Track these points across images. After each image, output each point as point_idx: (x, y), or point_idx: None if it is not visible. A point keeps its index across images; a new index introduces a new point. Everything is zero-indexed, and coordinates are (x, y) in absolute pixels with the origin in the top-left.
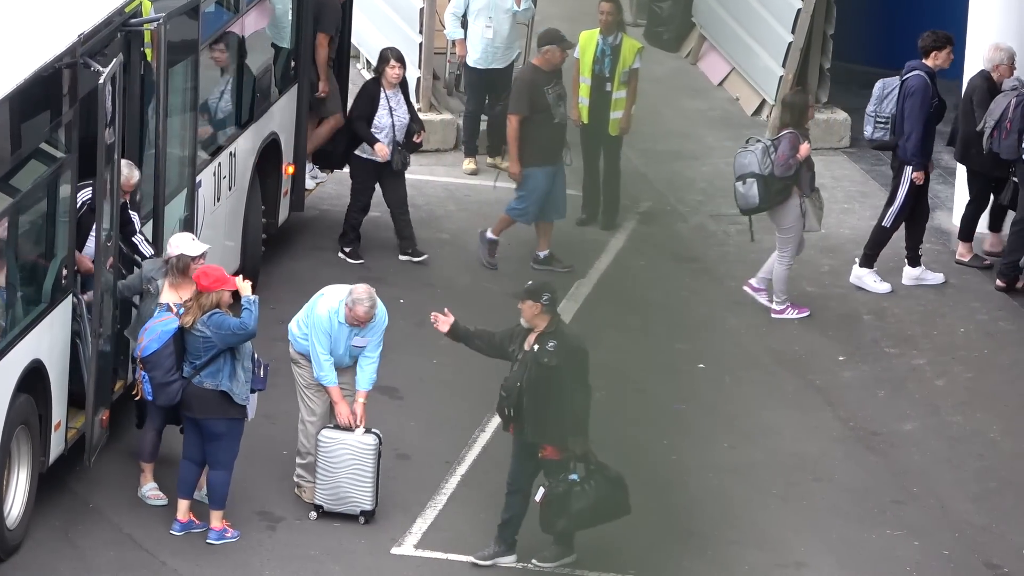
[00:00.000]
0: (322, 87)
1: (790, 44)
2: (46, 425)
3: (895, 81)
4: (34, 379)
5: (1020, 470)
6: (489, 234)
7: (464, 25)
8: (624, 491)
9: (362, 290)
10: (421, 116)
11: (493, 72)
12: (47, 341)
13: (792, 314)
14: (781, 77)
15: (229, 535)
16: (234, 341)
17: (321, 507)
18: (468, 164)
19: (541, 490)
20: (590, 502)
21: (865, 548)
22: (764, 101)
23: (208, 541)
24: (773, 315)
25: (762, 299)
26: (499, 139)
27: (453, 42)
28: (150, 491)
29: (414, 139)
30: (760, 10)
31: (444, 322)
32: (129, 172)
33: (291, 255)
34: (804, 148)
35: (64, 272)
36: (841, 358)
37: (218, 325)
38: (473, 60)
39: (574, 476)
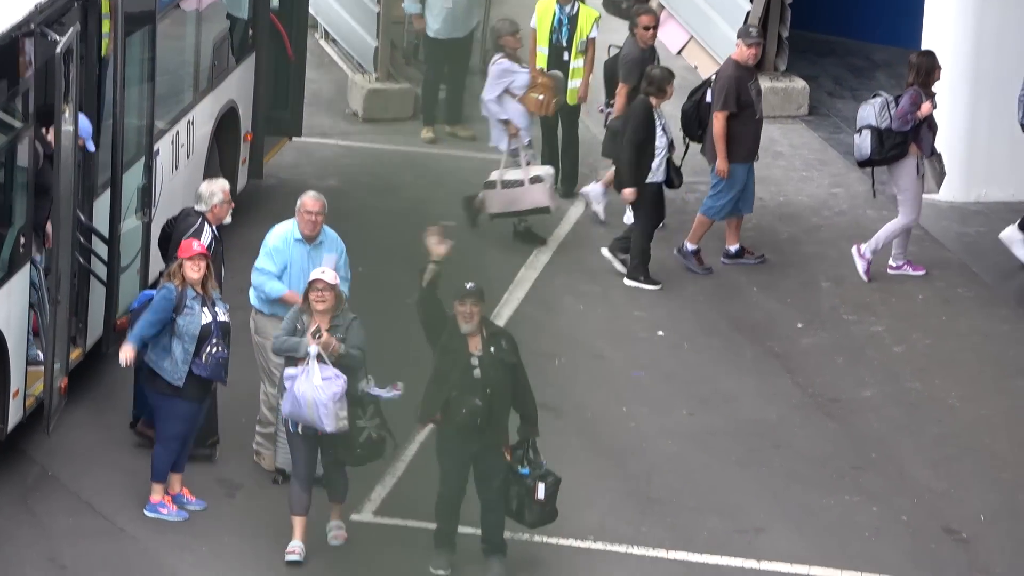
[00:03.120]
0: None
1: (748, 13)
2: (4, 393)
3: None
4: None
5: (978, 436)
6: (689, 246)
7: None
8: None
9: (307, 192)
10: (379, 86)
11: (452, 42)
12: (4, 310)
13: (909, 271)
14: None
15: (165, 512)
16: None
17: (284, 471)
18: (426, 133)
19: (541, 486)
20: (558, 487)
21: (824, 514)
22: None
23: (144, 511)
24: (890, 271)
25: (909, 270)
26: (458, 109)
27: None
28: None
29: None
30: None
31: (441, 244)
32: None
33: (250, 223)
34: (926, 107)
35: (22, 241)
36: (800, 325)
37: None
38: (433, 31)
39: (525, 472)
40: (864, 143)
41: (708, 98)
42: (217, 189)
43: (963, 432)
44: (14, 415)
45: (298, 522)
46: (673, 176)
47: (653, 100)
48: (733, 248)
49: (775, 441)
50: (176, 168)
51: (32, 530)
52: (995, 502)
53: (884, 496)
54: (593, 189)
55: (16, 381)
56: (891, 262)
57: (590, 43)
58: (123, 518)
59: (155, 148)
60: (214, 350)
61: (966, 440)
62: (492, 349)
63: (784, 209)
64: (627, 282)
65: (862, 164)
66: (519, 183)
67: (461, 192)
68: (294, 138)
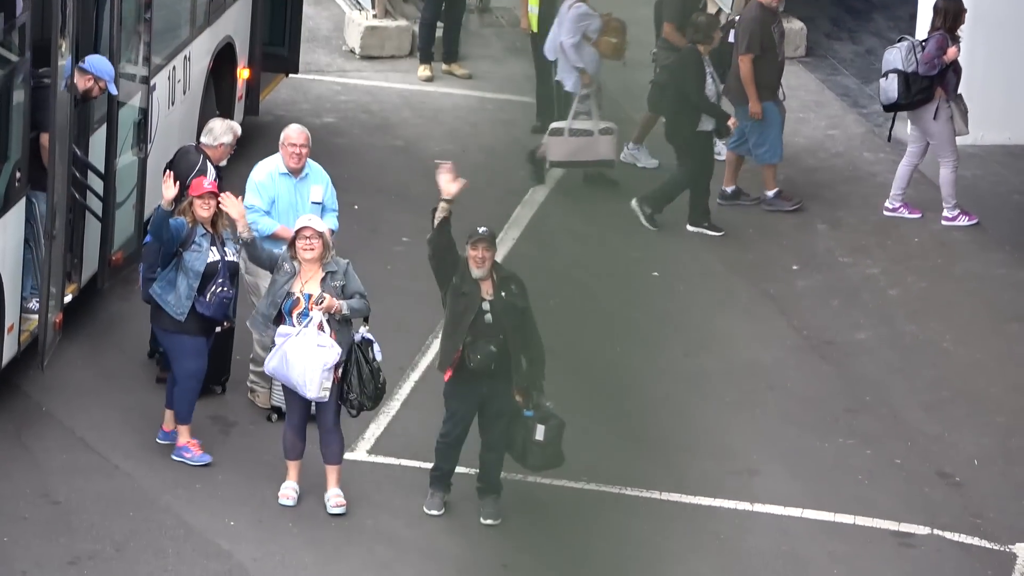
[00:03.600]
0: None
1: None
2: None
3: None
4: None
5: (972, 379)
6: (770, 194)
7: None
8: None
9: (290, 125)
10: (376, 23)
11: None
12: (0, 244)
13: (963, 221)
14: None
15: (188, 456)
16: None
17: (279, 409)
18: (423, 71)
19: (541, 428)
20: (562, 431)
21: (817, 456)
22: (720, 10)
23: (172, 455)
24: (944, 222)
25: (905, 212)
26: (455, 47)
27: None
28: None
29: None
30: None
31: (454, 183)
32: None
33: (246, 159)
34: (952, 51)
35: (17, 175)
36: (795, 267)
37: None
38: None
39: (529, 414)
40: (891, 87)
41: (731, 39)
42: (228, 129)
43: (957, 376)
44: (8, 350)
45: (292, 465)
46: (721, 126)
47: (701, 48)
48: (729, 189)
49: (769, 383)
50: (172, 104)
51: (26, 466)
52: (989, 446)
53: (878, 439)
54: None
55: (11, 316)
56: (888, 203)
57: None
58: (117, 455)
59: (151, 83)
60: (219, 289)
61: (960, 384)
62: (503, 294)
63: None
64: (690, 228)
65: (888, 108)
66: (588, 133)
67: (457, 131)
68: (291, 75)
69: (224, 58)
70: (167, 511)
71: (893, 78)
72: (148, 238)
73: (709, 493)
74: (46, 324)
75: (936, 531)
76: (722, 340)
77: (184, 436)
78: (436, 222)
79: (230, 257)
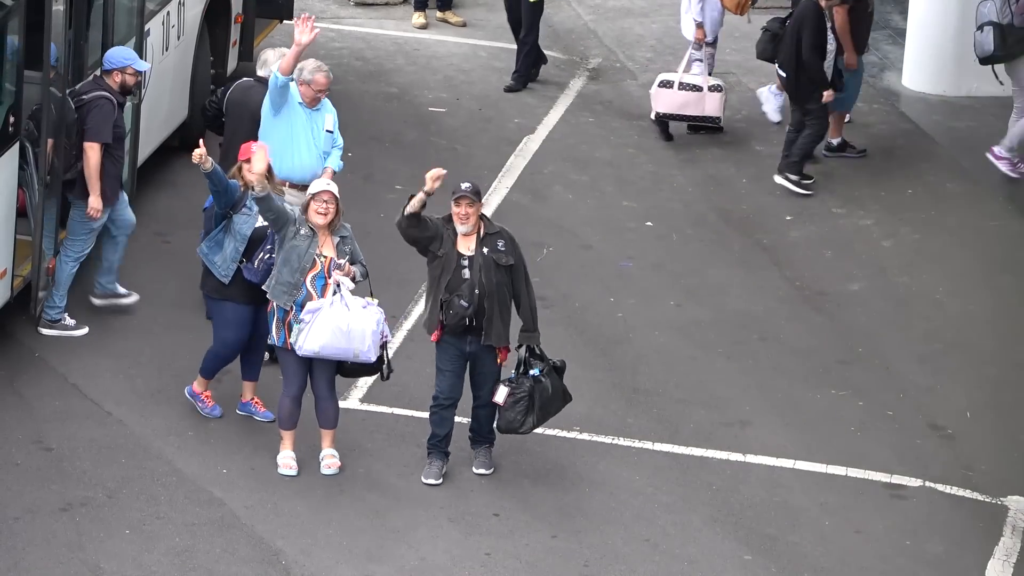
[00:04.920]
0: None
1: None
2: None
3: None
4: None
5: (965, 331)
6: (834, 141)
7: None
8: (562, 375)
9: (310, 61)
10: None
11: None
12: None
13: (1004, 167)
14: None
15: (200, 405)
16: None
17: (271, 348)
18: (418, 18)
19: (504, 390)
20: (549, 394)
21: (810, 408)
22: None
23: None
24: (990, 156)
25: (1006, 168)
26: None
27: None
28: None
29: None
30: None
31: (436, 180)
32: None
33: None
34: None
35: (11, 120)
36: (788, 217)
37: None
38: None
39: (535, 372)
40: (987, 40)
41: None
42: (277, 56)
43: (950, 327)
44: (1, 296)
45: (288, 435)
46: (837, 79)
47: (823, 2)
48: (835, 141)
49: (762, 334)
50: (166, 50)
51: (19, 412)
52: (980, 398)
53: (870, 391)
54: (766, 92)
55: (3, 261)
56: (996, 149)
57: None
58: (110, 402)
59: (145, 29)
60: (267, 256)
61: (953, 336)
62: (485, 250)
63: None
64: (777, 179)
65: (984, 61)
66: (697, 88)
67: (451, 78)
68: (284, 21)
69: (218, 3)
70: (159, 458)
71: (988, 31)
72: (208, 204)
73: (701, 444)
74: (39, 269)
75: (928, 483)
76: (715, 290)
77: (201, 386)
78: (407, 211)
79: None
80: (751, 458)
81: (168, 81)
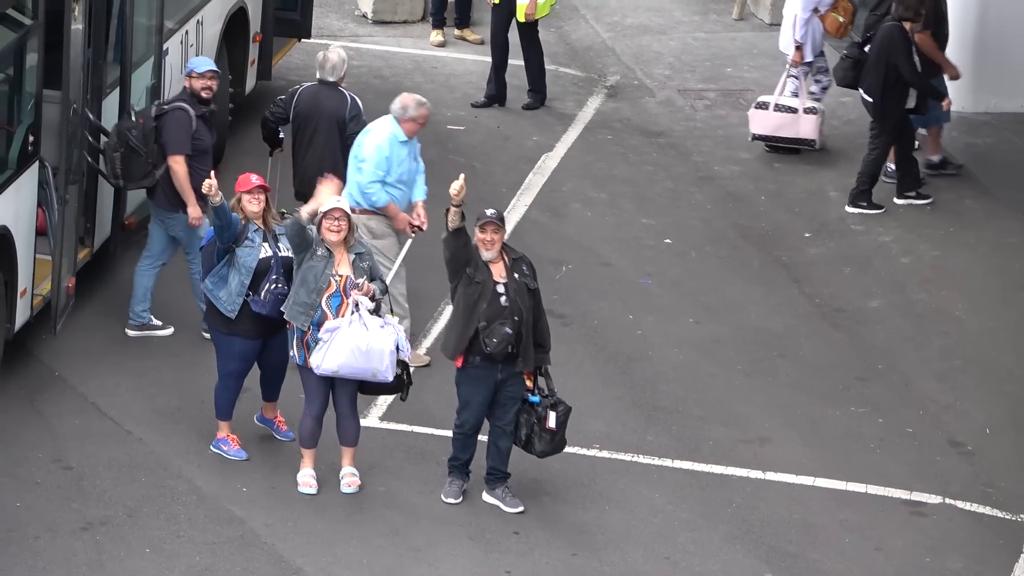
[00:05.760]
0: None
1: None
2: (12, 292)
3: None
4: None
5: (984, 348)
6: (934, 159)
7: None
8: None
9: (410, 97)
10: None
11: None
12: (13, 208)
13: None
14: None
15: (226, 449)
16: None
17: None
18: (436, 36)
19: (553, 415)
20: (568, 417)
21: (829, 424)
22: None
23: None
24: None
25: None
26: (467, 13)
27: None
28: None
29: None
30: None
31: (458, 187)
32: None
33: (257, 124)
34: None
35: (31, 139)
36: (807, 235)
37: None
38: None
39: (557, 395)
40: None
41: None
42: (341, 58)
43: (969, 344)
44: (21, 314)
45: (309, 454)
46: (920, 102)
47: (907, 25)
48: (935, 158)
49: (781, 351)
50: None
51: (39, 431)
52: (1000, 415)
53: (889, 408)
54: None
55: (23, 280)
56: None
57: None
58: (130, 420)
59: (164, 48)
60: (273, 286)
61: (972, 352)
62: (516, 275)
63: None
64: (849, 209)
65: None
66: (792, 110)
67: (469, 96)
68: (303, 40)
69: (237, 22)
70: (179, 477)
71: None
72: (204, 241)
73: (721, 461)
74: (59, 288)
75: (948, 500)
76: (734, 307)
77: (224, 430)
78: (451, 227)
79: (283, 252)
80: (771, 475)
81: None
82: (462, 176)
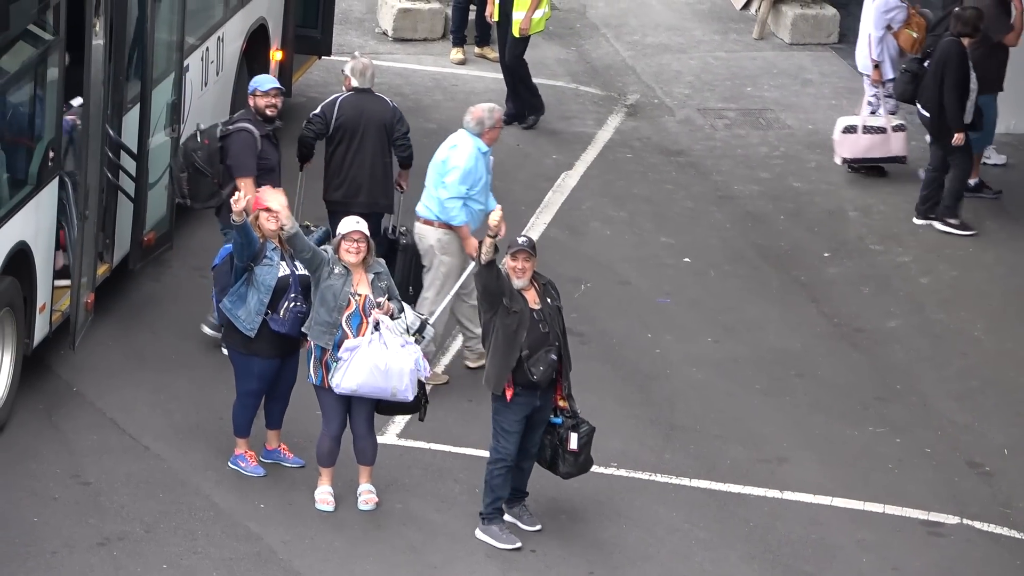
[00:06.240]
0: None
1: None
2: (31, 307)
3: None
4: (19, 261)
5: (1003, 369)
6: (972, 182)
7: None
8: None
9: (477, 108)
10: (409, 5)
11: None
12: (32, 223)
13: None
14: None
15: (244, 465)
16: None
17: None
18: (456, 54)
19: (574, 437)
20: (592, 437)
21: (847, 444)
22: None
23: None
24: None
25: None
26: (487, 30)
27: None
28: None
29: None
30: None
31: (499, 220)
32: None
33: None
34: None
35: (51, 155)
36: (826, 254)
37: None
38: None
39: (580, 416)
40: None
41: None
42: (373, 64)
43: (987, 365)
44: (40, 330)
45: (327, 472)
46: (977, 118)
47: (965, 41)
48: (972, 181)
49: (799, 370)
50: (205, 85)
51: (56, 446)
52: (1018, 435)
53: (908, 428)
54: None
55: (43, 295)
56: None
57: None
58: (148, 436)
59: (185, 64)
60: (292, 305)
61: (990, 373)
62: (548, 300)
63: (813, 137)
64: (938, 226)
65: None
66: (882, 130)
67: None
68: (323, 57)
69: (257, 39)
70: (197, 493)
71: None
72: (217, 261)
73: (738, 480)
74: (78, 304)
75: (965, 521)
76: (752, 327)
77: (242, 447)
78: (484, 260)
79: (300, 271)
80: (788, 495)
81: (207, 116)
82: (499, 208)
